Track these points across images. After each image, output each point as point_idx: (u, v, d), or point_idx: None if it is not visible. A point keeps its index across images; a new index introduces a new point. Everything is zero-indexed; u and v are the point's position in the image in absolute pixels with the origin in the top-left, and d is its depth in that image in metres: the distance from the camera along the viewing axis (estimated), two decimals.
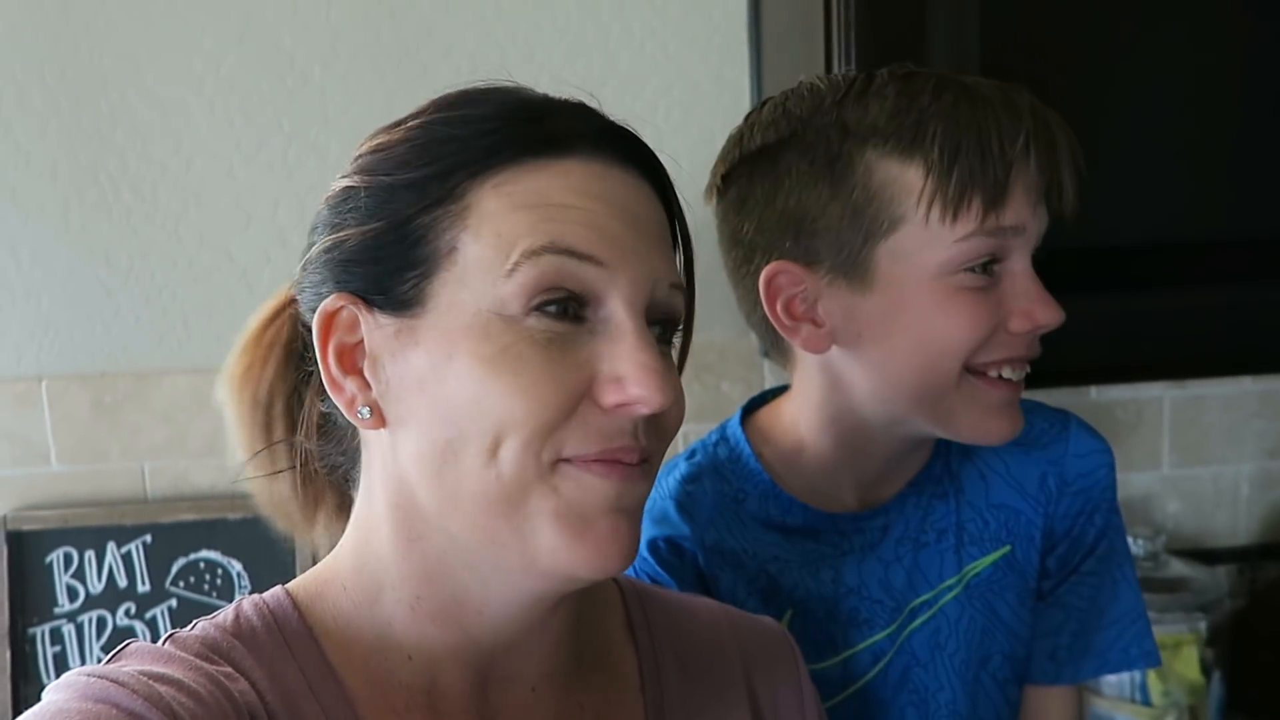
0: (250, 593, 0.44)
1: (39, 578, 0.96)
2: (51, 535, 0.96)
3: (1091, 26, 0.73)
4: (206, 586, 0.98)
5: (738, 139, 0.61)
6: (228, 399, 0.45)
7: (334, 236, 0.42)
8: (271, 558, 0.94)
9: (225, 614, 0.43)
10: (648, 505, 0.44)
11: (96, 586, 0.96)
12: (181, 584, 0.97)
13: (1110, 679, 0.94)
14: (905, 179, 0.54)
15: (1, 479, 0.97)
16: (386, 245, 0.40)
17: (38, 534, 0.96)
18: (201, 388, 0.95)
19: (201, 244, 0.97)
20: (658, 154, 0.44)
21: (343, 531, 0.46)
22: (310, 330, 0.44)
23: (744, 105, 0.98)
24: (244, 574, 0.97)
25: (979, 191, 0.53)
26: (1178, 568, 1.03)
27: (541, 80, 0.44)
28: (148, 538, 0.97)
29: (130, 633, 0.97)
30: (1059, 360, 0.61)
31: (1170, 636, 0.94)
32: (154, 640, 0.41)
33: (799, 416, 0.62)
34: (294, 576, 0.46)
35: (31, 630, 0.96)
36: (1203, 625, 0.96)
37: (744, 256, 0.60)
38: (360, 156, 0.43)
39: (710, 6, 0.98)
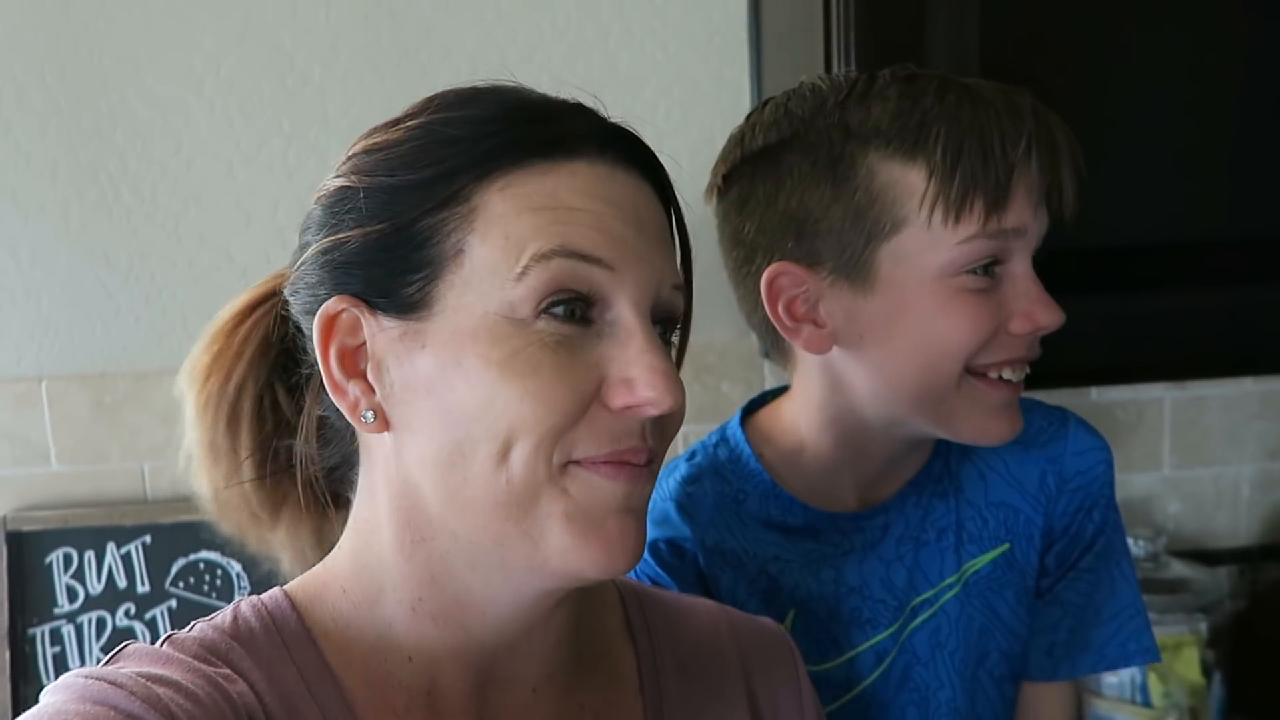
0: (250, 594, 0.44)
1: (39, 578, 0.96)
2: (51, 536, 0.96)
3: (1091, 27, 0.73)
4: (206, 587, 0.97)
5: (739, 139, 0.61)
6: (189, 388, 0.45)
7: (333, 238, 0.41)
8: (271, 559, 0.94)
9: (223, 615, 0.43)
10: (648, 506, 0.44)
11: (96, 587, 0.96)
12: (181, 585, 0.97)
13: (1111, 680, 0.94)
14: (907, 181, 0.54)
15: (1, 479, 0.97)
16: (390, 247, 0.40)
17: (37, 534, 0.96)
18: None
19: (201, 244, 0.97)
20: (658, 154, 0.44)
21: (310, 530, 0.46)
22: (301, 330, 0.43)
23: (744, 106, 0.98)
24: (243, 575, 0.97)
25: (981, 194, 0.53)
26: (1178, 569, 1.03)
27: (542, 81, 0.43)
28: (147, 538, 0.97)
29: (130, 633, 0.97)
30: (1060, 361, 0.61)
31: (1171, 638, 0.94)
32: (153, 641, 0.41)
33: (799, 417, 0.62)
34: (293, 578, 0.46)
35: (31, 631, 0.96)
36: (1203, 626, 0.96)
37: (745, 257, 0.60)
38: (355, 156, 0.42)
39: (710, 7, 0.98)
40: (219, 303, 0.47)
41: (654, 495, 0.49)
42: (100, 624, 0.97)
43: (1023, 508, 0.65)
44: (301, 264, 0.43)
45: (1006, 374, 0.57)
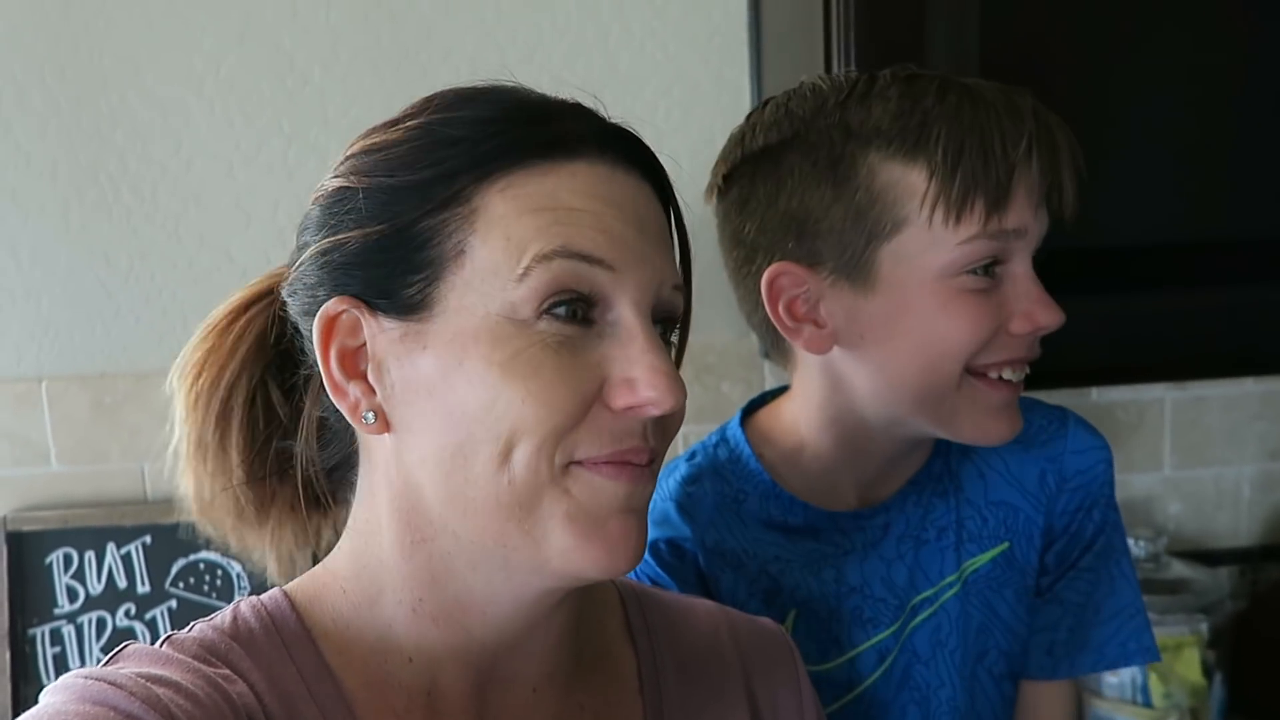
0: (250, 594, 0.44)
1: (39, 578, 0.96)
2: (51, 536, 0.96)
3: (1091, 27, 0.73)
4: (206, 588, 0.97)
5: (739, 139, 0.61)
6: (180, 385, 0.44)
7: (332, 239, 0.41)
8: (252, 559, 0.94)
9: (223, 616, 0.43)
10: (649, 506, 0.44)
11: (96, 587, 0.96)
12: (181, 585, 0.97)
13: (1111, 680, 0.93)
14: (908, 181, 0.54)
15: (1, 479, 0.97)
16: (390, 248, 0.40)
17: (38, 535, 0.96)
18: None
19: (201, 245, 0.97)
20: (657, 154, 0.44)
21: (294, 532, 0.45)
22: (299, 332, 0.43)
23: (744, 106, 0.98)
24: (243, 575, 0.97)
25: (982, 194, 0.53)
26: (1179, 569, 1.02)
27: (542, 81, 0.43)
28: (147, 538, 0.97)
29: (130, 634, 0.97)
30: (1060, 361, 0.61)
31: (1172, 638, 0.94)
32: (153, 642, 0.41)
33: (799, 416, 0.62)
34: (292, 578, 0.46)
35: (31, 631, 0.96)
36: (1204, 627, 0.96)
37: (746, 257, 0.60)
38: (353, 156, 0.42)
39: (710, 7, 0.98)
40: (219, 303, 0.46)
41: (654, 495, 0.49)
42: (100, 624, 0.97)
43: (1022, 507, 0.65)
44: (300, 265, 0.43)
45: (1007, 374, 0.57)
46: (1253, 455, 1.12)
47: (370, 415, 0.41)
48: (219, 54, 0.95)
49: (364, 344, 0.41)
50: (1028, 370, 0.58)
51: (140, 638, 0.96)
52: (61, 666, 0.96)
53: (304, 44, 0.95)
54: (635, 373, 0.39)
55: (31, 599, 0.95)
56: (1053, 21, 0.73)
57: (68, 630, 0.96)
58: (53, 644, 0.96)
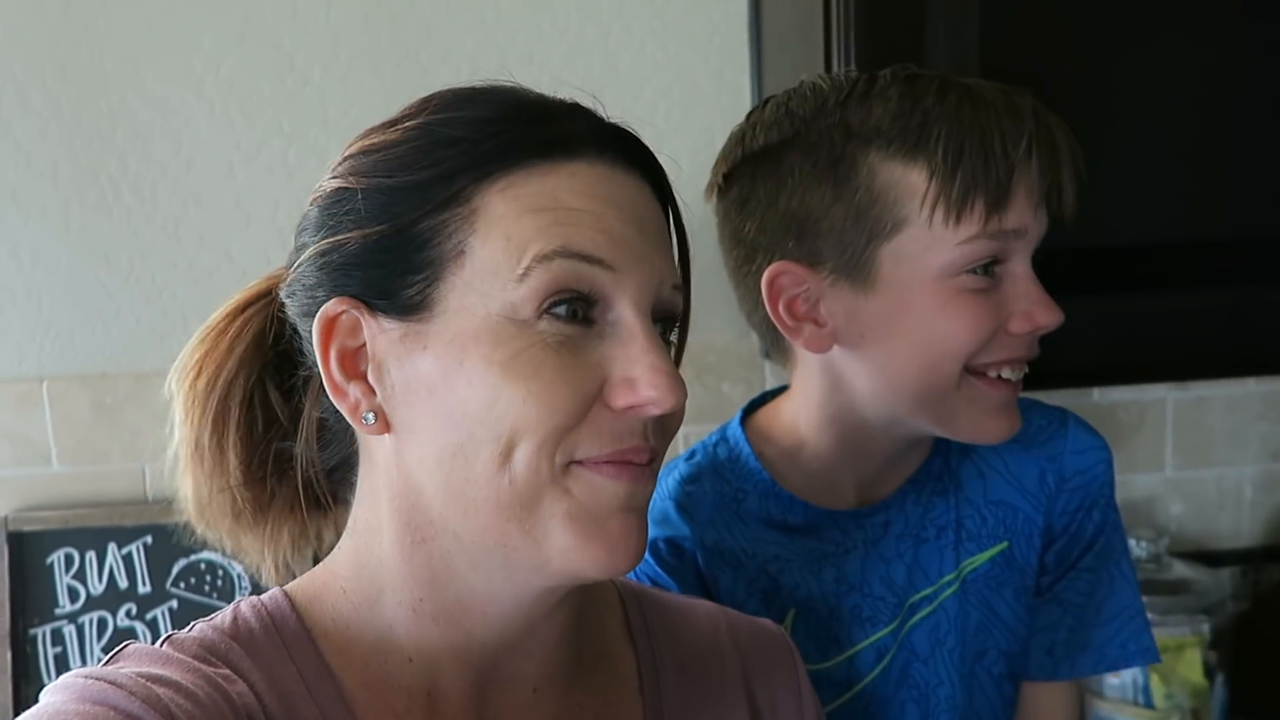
0: (250, 594, 0.44)
1: (40, 578, 0.96)
2: (52, 536, 0.96)
3: (1091, 27, 0.73)
4: (207, 588, 0.98)
5: (740, 138, 0.61)
6: (178, 386, 0.44)
7: (331, 239, 0.41)
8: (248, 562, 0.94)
9: (223, 616, 0.43)
10: (649, 506, 0.44)
11: (97, 587, 0.96)
12: (182, 585, 0.97)
13: (1113, 681, 0.93)
14: (909, 181, 0.54)
15: (2, 480, 0.97)
16: (390, 249, 0.40)
17: (39, 535, 0.96)
18: None
19: (202, 245, 0.97)
20: (657, 155, 0.44)
21: (290, 534, 0.45)
22: (299, 333, 0.43)
23: (744, 106, 0.98)
24: (244, 575, 0.97)
25: (982, 194, 0.53)
26: (1181, 570, 1.02)
27: (541, 81, 0.43)
28: (148, 539, 0.97)
29: (131, 634, 0.97)
30: (1061, 362, 0.61)
31: (1173, 639, 0.94)
32: (154, 642, 0.41)
33: (799, 415, 0.63)
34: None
35: (32, 631, 0.96)
36: (1206, 628, 0.96)
37: (746, 256, 0.60)
38: (351, 157, 0.42)
39: (710, 7, 0.98)
40: (219, 303, 0.46)
41: (654, 494, 0.49)
42: (101, 624, 0.97)
43: (1022, 506, 0.65)
44: (298, 265, 0.43)
45: (1006, 373, 0.57)
46: (1254, 456, 1.12)
47: (370, 416, 0.41)
48: (219, 54, 0.95)
49: (364, 345, 0.41)
50: (1027, 370, 0.58)
51: (141, 638, 0.96)
52: (62, 666, 0.96)
53: (304, 44, 0.95)
54: (636, 372, 0.39)
55: (32, 599, 0.96)
56: (1053, 21, 0.73)
57: (69, 630, 0.96)
58: (54, 644, 0.96)
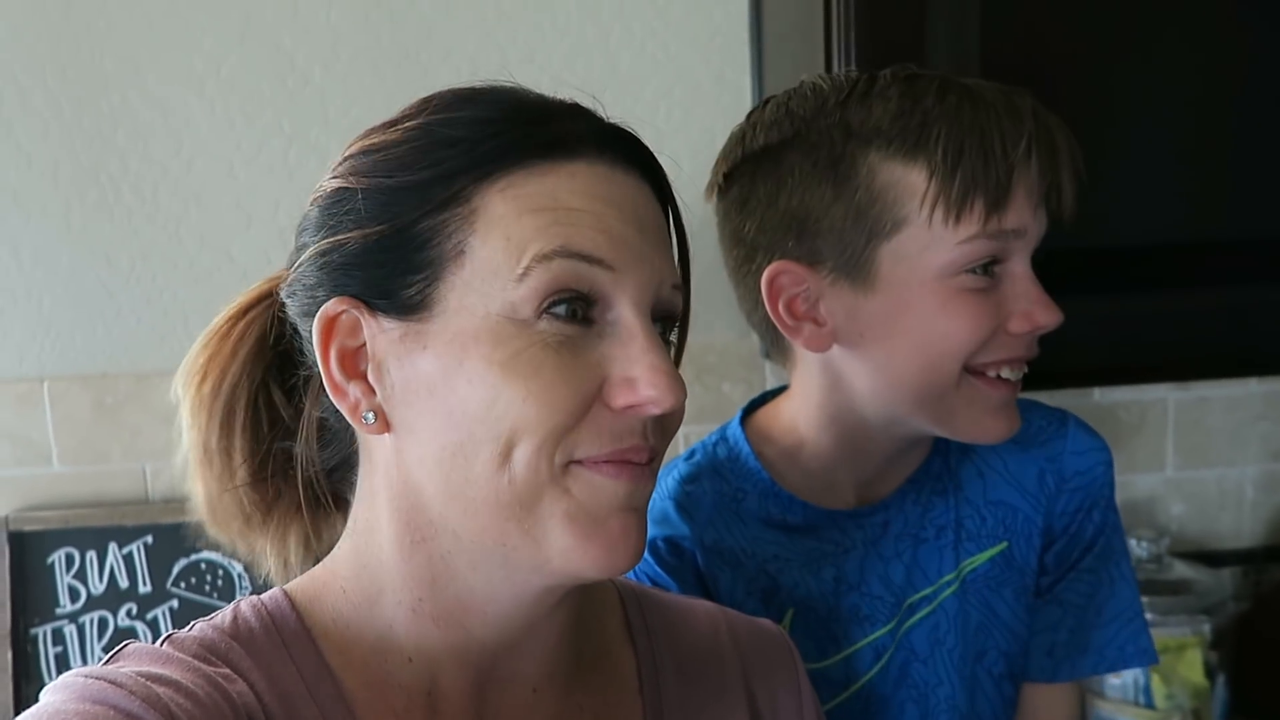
0: (251, 594, 0.44)
1: (41, 578, 0.96)
2: (53, 536, 0.96)
3: (1092, 27, 0.73)
4: (207, 587, 0.98)
5: (740, 138, 0.61)
6: (184, 391, 0.44)
7: (331, 239, 0.41)
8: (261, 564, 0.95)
9: (223, 615, 0.43)
10: (648, 505, 0.44)
11: (98, 587, 0.96)
12: (183, 585, 0.97)
13: (1114, 681, 0.93)
14: (908, 181, 0.54)
15: (3, 480, 0.98)
16: (390, 249, 0.40)
17: (39, 534, 0.96)
18: None
19: (202, 245, 0.97)
20: (658, 155, 0.44)
21: (297, 535, 0.46)
22: (299, 333, 0.43)
23: (745, 106, 0.98)
24: (244, 575, 0.97)
25: (981, 194, 0.53)
26: (1182, 570, 1.02)
27: (542, 82, 0.43)
28: (149, 538, 0.97)
29: (132, 633, 0.97)
30: (1062, 362, 0.61)
31: (1174, 639, 0.94)
32: (154, 641, 0.41)
33: (799, 415, 0.63)
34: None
35: (33, 630, 0.96)
36: (1206, 628, 0.96)
37: (746, 255, 0.60)
38: (352, 157, 0.42)
39: (711, 7, 0.98)
40: (220, 303, 0.46)
41: (653, 494, 0.49)
42: (102, 624, 0.97)
43: (1021, 506, 0.65)
44: (299, 265, 0.43)
45: (1005, 373, 0.57)
46: (1255, 456, 1.12)
47: (370, 415, 0.41)
48: (220, 54, 0.95)
49: (364, 344, 0.41)
50: (1026, 369, 0.58)
51: (142, 637, 0.96)
52: (63, 666, 0.96)
53: (305, 44, 0.95)
54: (635, 372, 0.39)
55: (33, 599, 0.96)
56: (1054, 21, 0.73)
57: (69, 630, 0.96)
58: (54, 643, 0.96)
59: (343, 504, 0.46)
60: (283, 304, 0.44)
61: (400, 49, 0.96)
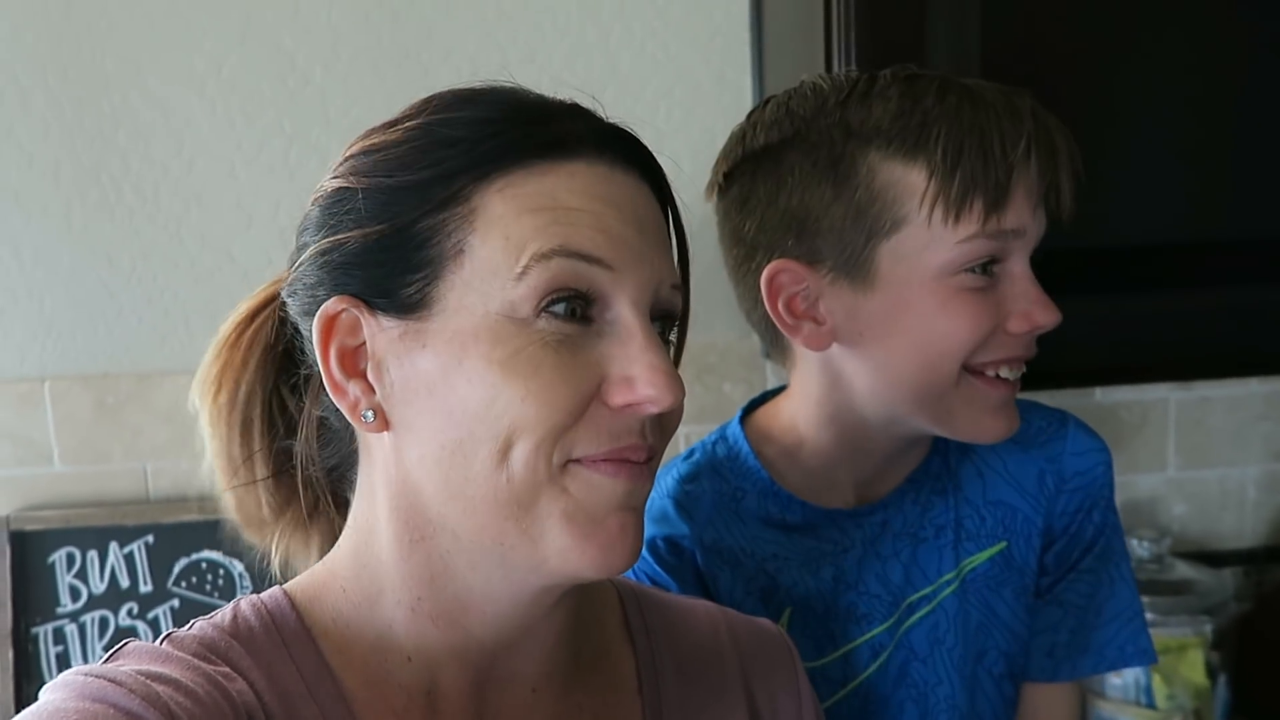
0: (251, 593, 0.44)
1: (42, 578, 0.96)
2: (54, 535, 0.96)
3: (1093, 27, 0.73)
4: (208, 587, 0.98)
5: (740, 137, 0.61)
6: (202, 402, 0.45)
7: (331, 239, 0.42)
8: (262, 558, 0.95)
9: (223, 614, 0.43)
10: (646, 505, 0.44)
11: (99, 586, 0.97)
12: (184, 584, 0.97)
13: (1115, 681, 0.93)
14: (908, 180, 0.54)
15: (4, 479, 0.98)
16: (390, 248, 0.40)
17: (40, 534, 0.96)
18: None
19: (203, 245, 0.97)
20: (658, 155, 0.44)
21: (303, 537, 0.46)
22: (300, 332, 0.43)
23: (745, 106, 0.98)
24: (245, 574, 0.97)
25: (981, 194, 0.53)
26: (1183, 570, 1.02)
27: (542, 82, 0.44)
28: (150, 538, 0.97)
29: (132, 633, 0.97)
30: (1063, 362, 0.61)
31: (1175, 639, 0.94)
32: (154, 640, 0.41)
33: (798, 414, 0.63)
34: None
35: (34, 630, 0.96)
36: (1208, 628, 0.96)
37: (745, 255, 0.60)
38: (352, 157, 0.43)
39: (712, 7, 0.98)
40: (221, 303, 0.47)
41: (653, 493, 0.49)
42: (103, 623, 0.97)
43: (1021, 506, 0.65)
44: (299, 265, 0.43)
45: (1004, 372, 0.57)
46: (1257, 456, 1.12)
47: (370, 414, 0.41)
48: (220, 54, 0.95)
49: (363, 343, 0.41)
50: (1024, 369, 0.58)
51: (143, 637, 0.96)
52: (64, 665, 0.96)
53: (305, 44, 0.95)
54: (634, 370, 0.39)
55: (34, 598, 0.96)
56: (1054, 21, 0.73)
57: (70, 629, 0.96)
58: (55, 643, 0.96)
59: (344, 504, 0.46)
60: (284, 303, 0.44)
61: (401, 49, 0.96)
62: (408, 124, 0.42)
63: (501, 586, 0.42)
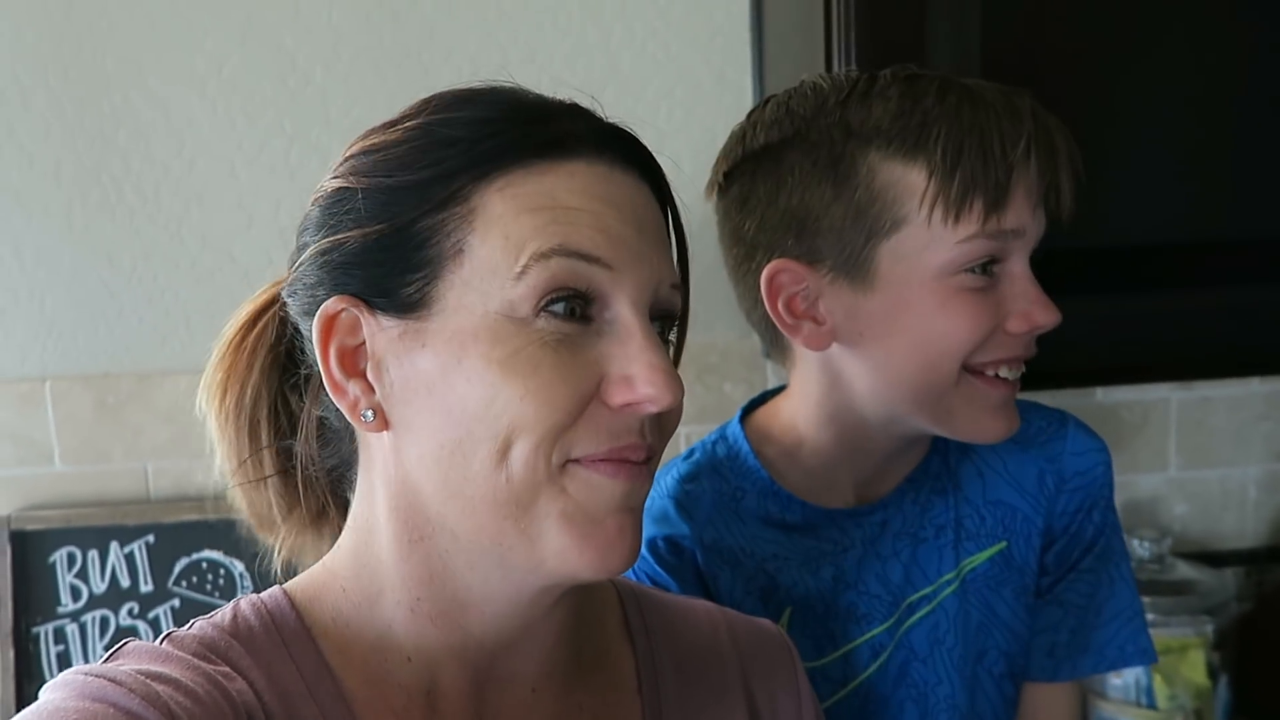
0: (252, 593, 0.44)
1: (42, 577, 0.96)
2: (55, 535, 0.96)
3: (1093, 27, 0.73)
4: (209, 586, 0.98)
5: (740, 137, 0.61)
6: (209, 407, 0.45)
7: (331, 239, 0.42)
8: (271, 558, 0.95)
9: (223, 614, 0.43)
10: (646, 504, 0.44)
11: (100, 586, 0.97)
12: (184, 584, 0.97)
13: (1116, 682, 0.93)
14: (908, 180, 0.54)
15: (5, 479, 0.98)
16: (389, 248, 0.40)
17: (41, 534, 0.96)
18: None
19: (204, 245, 0.97)
20: (659, 155, 0.44)
21: (314, 537, 0.46)
22: (300, 332, 0.44)
23: (746, 106, 0.98)
24: (245, 574, 0.98)
25: (981, 194, 0.53)
26: (1184, 570, 1.02)
27: (543, 82, 0.44)
28: (150, 538, 0.97)
29: (133, 632, 0.97)
30: (1064, 362, 0.61)
31: (1176, 640, 0.94)
32: (155, 640, 0.41)
33: (798, 414, 0.63)
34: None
35: (35, 630, 0.96)
36: (1209, 628, 0.96)
37: (745, 254, 0.60)
38: (352, 157, 0.43)
39: (713, 7, 0.98)
40: (222, 303, 0.47)
41: (652, 493, 0.49)
42: (104, 623, 0.97)
43: (1021, 506, 0.65)
44: (300, 265, 0.43)
45: (1004, 372, 0.57)
46: (1259, 456, 1.12)
47: (369, 413, 0.41)
48: (221, 54, 0.95)
49: (363, 342, 0.41)
50: (1024, 369, 0.58)
51: (143, 636, 0.96)
52: (65, 665, 0.96)
53: (306, 44, 0.95)
54: (633, 370, 0.39)
55: (35, 598, 0.96)
56: (1054, 21, 0.73)
57: (71, 629, 0.96)
58: (56, 643, 0.96)
59: (344, 503, 0.46)
60: (284, 303, 0.45)
61: (402, 49, 0.96)
62: (407, 124, 0.42)
63: (500, 587, 0.42)
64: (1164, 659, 0.91)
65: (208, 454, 0.46)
